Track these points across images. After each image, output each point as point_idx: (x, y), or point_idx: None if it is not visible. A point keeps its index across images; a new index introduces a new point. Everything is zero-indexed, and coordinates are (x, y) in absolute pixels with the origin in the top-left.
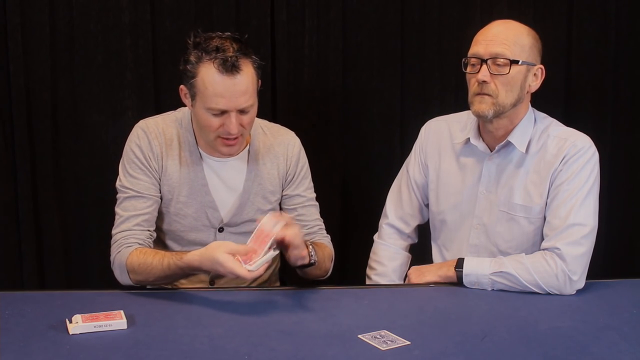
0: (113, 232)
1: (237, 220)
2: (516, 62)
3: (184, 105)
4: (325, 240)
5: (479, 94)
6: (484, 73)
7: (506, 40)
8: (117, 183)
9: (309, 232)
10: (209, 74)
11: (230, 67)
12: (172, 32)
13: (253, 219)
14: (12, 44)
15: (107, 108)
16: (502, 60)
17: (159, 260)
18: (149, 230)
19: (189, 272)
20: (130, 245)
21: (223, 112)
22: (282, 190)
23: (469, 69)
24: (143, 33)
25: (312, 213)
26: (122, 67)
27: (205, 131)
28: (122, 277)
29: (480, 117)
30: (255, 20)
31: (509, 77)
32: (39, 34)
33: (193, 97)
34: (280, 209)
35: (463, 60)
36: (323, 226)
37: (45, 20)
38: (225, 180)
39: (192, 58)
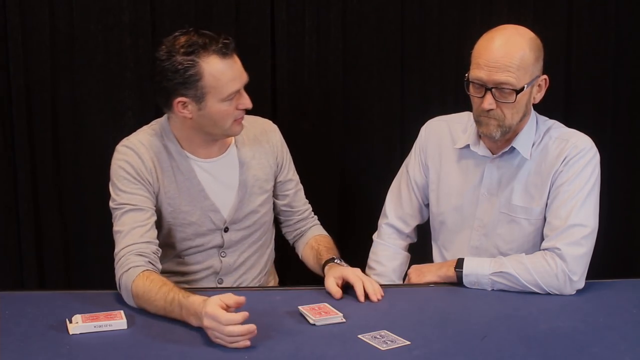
0: (116, 251)
1: (240, 215)
2: (521, 89)
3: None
4: (318, 226)
5: (484, 116)
6: (489, 102)
7: (510, 66)
8: (111, 204)
9: (301, 219)
10: (215, 67)
11: (231, 50)
12: (172, 32)
13: (253, 211)
14: (12, 44)
15: (107, 108)
16: (507, 89)
17: (163, 294)
18: (155, 245)
19: (186, 313)
20: (138, 266)
21: (236, 93)
22: (275, 178)
23: (472, 91)
24: (143, 33)
25: (301, 198)
26: (122, 67)
27: (222, 123)
28: (127, 300)
29: (487, 137)
30: (255, 20)
31: (514, 103)
32: (39, 34)
33: (201, 99)
34: (274, 197)
35: (465, 79)
36: (311, 208)
37: (45, 20)
38: (220, 179)
39: (187, 63)
